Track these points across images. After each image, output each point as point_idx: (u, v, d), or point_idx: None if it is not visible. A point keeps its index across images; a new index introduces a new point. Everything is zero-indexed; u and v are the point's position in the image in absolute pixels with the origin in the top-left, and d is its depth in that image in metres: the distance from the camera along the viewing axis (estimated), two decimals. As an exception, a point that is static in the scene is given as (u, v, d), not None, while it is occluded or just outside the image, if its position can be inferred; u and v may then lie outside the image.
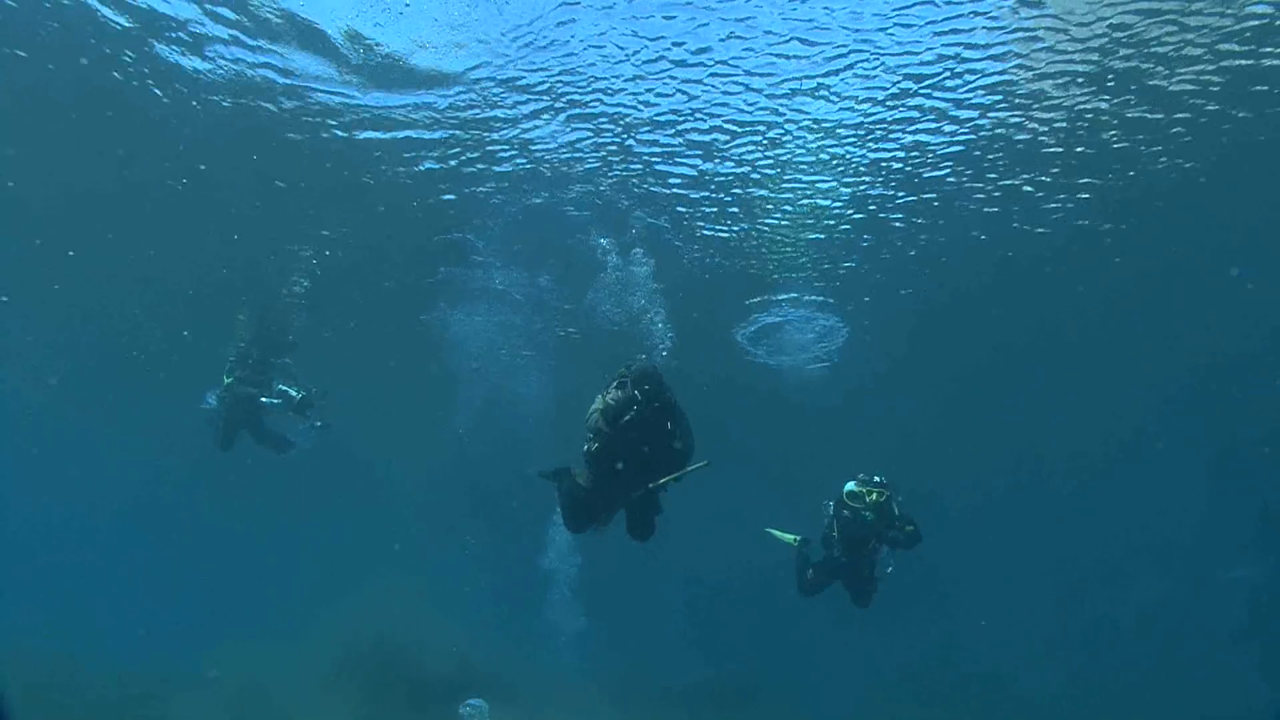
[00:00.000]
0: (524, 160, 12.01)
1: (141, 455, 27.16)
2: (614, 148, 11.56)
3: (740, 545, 18.78)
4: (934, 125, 10.62)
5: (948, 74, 9.63)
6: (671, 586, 28.54)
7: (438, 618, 19.67)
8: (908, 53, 9.30)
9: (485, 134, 11.53)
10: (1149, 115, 10.27)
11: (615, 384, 6.00)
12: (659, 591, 27.79)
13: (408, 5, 8.96)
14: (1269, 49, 8.97)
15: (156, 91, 10.66)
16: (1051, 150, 11.06)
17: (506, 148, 11.76)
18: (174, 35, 9.76)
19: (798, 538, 9.46)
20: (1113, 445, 23.13)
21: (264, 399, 12.62)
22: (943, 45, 9.15)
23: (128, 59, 10.15)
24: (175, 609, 23.51)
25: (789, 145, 11.12)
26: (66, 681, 14.90)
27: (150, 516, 31.68)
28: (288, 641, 18.43)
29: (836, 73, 9.67)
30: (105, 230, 14.43)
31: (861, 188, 12.05)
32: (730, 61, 9.60)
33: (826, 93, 10.01)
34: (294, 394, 12.49)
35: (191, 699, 15.00)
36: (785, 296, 15.73)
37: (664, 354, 12.64)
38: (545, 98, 10.60)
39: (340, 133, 11.54)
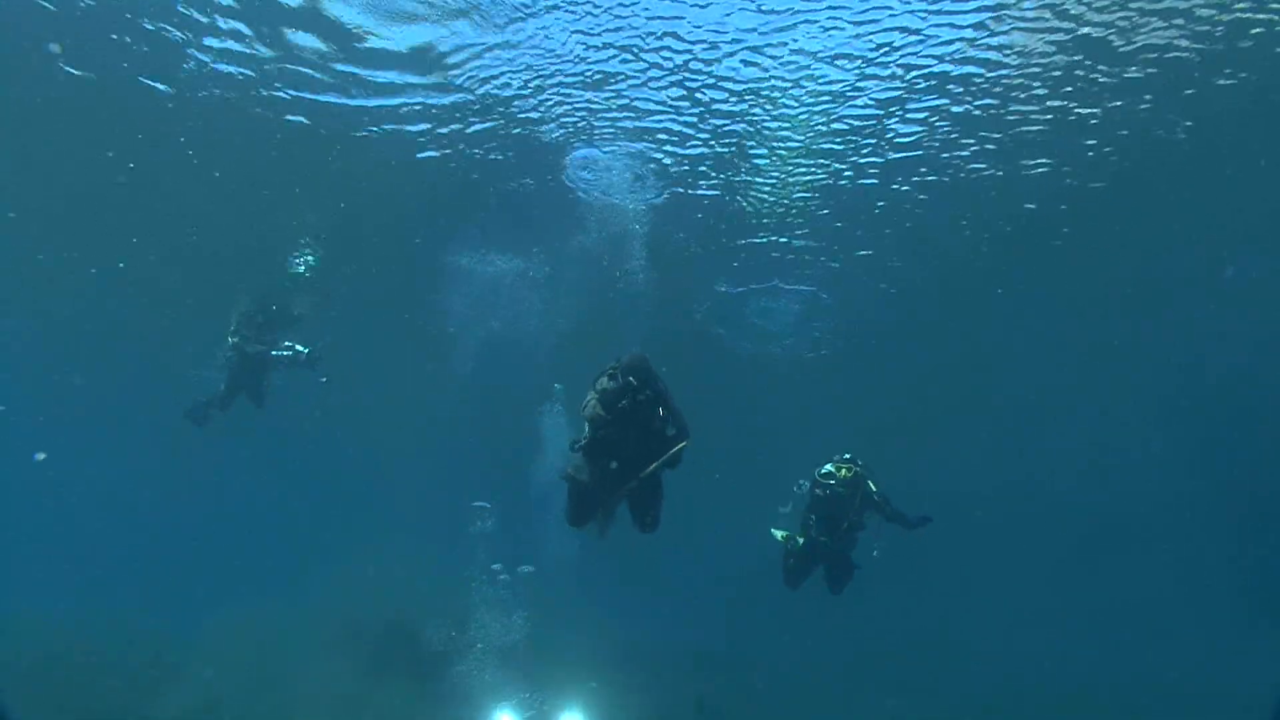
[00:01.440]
0: (519, 130, 12.13)
1: (143, 428, 27.35)
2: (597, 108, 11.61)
3: (733, 523, 19.06)
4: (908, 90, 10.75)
5: (928, 39, 9.72)
6: (664, 561, 28.89)
7: (436, 585, 19.86)
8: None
9: (476, 112, 11.64)
10: (1127, 82, 10.36)
11: (606, 375, 6.14)
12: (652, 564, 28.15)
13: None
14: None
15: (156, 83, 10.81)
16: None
17: (487, 119, 11.88)
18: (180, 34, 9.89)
19: (785, 534, 9.38)
20: (1101, 428, 23.35)
21: (274, 353, 12.78)
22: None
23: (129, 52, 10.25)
24: (179, 576, 23.84)
25: (776, 104, 11.19)
26: (77, 647, 15.25)
27: (152, 486, 31.98)
28: (288, 608, 18.77)
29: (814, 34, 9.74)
30: (112, 220, 14.75)
31: (838, 149, 12.17)
32: (715, 26, 9.69)
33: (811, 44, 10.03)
34: (304, 349, 12.70)
35: (197, 664, 15.32)
36: (767, 238, 15.54)
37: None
38: (529, 72, 10.73)
39: (336, 123, 11.71)
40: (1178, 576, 28.79)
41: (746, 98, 11.04)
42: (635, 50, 10.20)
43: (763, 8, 9.34)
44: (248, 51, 10.34)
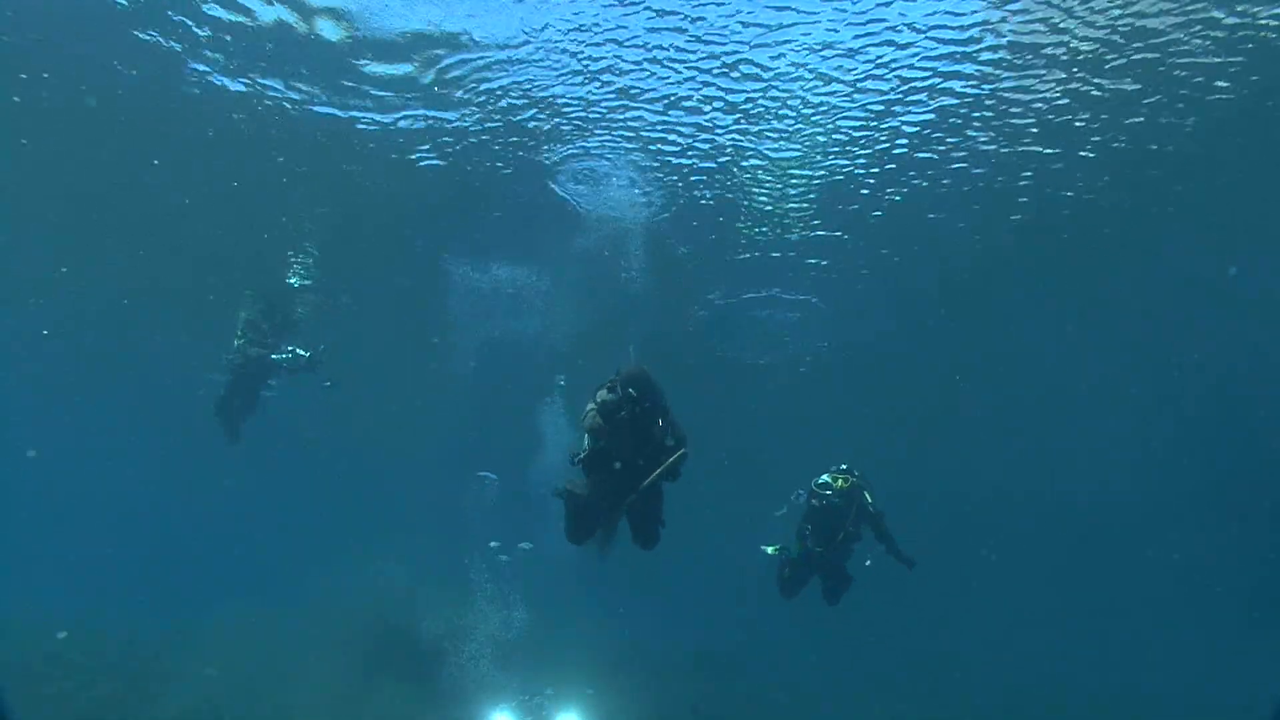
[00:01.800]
0: (518, 137, 12.11)
1: (143, 427, 27.36)
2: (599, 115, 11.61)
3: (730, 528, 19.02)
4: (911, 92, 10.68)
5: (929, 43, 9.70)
6: (664, 563, 28.89)
7: (436, 581, 19.89)
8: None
9: (476, 118, 11.62)
10: (1128, 84, 10.35)
11: (605, 387, 6.15)
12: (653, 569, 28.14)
13: None
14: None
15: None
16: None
17: (487, 125, 11.87)
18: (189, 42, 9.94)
19: (777, 546, 9.40)
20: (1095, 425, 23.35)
21: (274, 356, 12.82)
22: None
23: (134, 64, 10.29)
24: (179, 576, 23.87)
25: (774, 112, 11.16)
26: (77, 647, 15.29)
27: (152, 486, 31.97)
28: (287, 608, 18.79)
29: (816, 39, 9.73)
30: (110, 223, 14.77)
31: (844, 154, 12.14)
32: (716, 30, 9.69)
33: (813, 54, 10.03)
34: (304, 353, 12.77)
35: (197, 664, 15.33)
36: (765, 242, 15.38)
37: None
38: (529, 73, 10.70)
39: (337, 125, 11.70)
40: (1178, 579, 28.80)
41: (746, 102, 11.02)
42: (637, 51, 10.20)
43: (763, 11, 9.34)
44: (249, 52, 10.34)
